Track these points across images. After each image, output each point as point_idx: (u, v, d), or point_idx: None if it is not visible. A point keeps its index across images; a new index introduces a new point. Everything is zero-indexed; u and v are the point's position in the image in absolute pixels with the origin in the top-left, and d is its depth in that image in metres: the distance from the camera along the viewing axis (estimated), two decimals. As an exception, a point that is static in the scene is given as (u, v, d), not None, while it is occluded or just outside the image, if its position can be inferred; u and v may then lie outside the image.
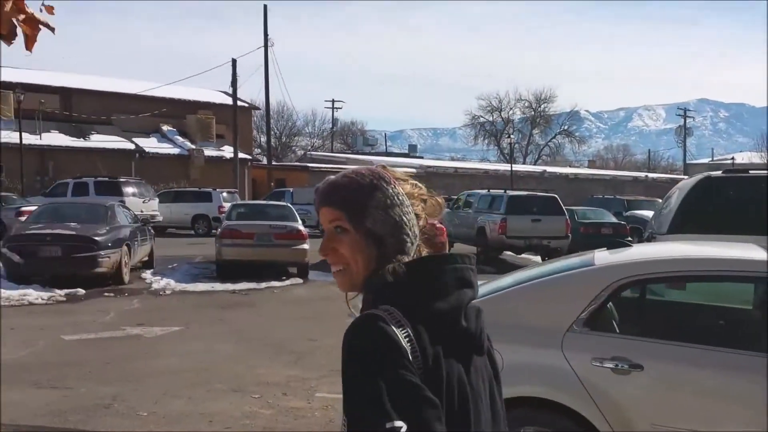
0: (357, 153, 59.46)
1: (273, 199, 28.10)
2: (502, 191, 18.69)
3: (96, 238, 11.91)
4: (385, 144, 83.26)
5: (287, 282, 13.73)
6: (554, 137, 76.79)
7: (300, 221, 15.25)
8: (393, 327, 1.29)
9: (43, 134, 32.95)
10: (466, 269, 1.42)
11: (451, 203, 22.68)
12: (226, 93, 40.58)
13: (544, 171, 48.88)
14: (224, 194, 27.66)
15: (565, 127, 77.96)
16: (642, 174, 57.16)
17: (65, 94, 35.76)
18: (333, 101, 69.97)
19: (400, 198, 1.41)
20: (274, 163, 43.03)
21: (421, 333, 1.32)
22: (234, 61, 33.40)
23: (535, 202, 17.99)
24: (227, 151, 36.87)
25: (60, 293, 11.28)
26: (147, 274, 14.08)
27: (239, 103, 35.19)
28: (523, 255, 19.44)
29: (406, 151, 74.37)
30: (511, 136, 48.87)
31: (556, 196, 18.38)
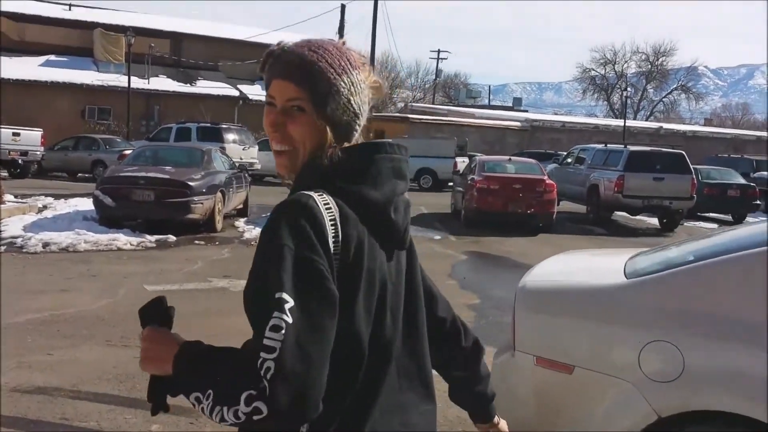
0: (459, 105, 57.87)
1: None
2: (621, 146, 17.12)
3: (190, 183, 11.50)
4: (489, 97, 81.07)
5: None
6: (670, 93, 72.22)
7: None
8: (321, 209, 1.26)
9: (151, 78, 33.45)
10: (401, 160, 1.40)
11: (560, 159, 21.24)
12: (331, 41, 39.98)
13: (660, 127, 45.78)
14: (324, 143, 27.19)
15: (682, 83, 73.10)
16: (765, 133, 52.79)
17: (175, 38, 36.14)
18: (438, 51, 68.29)
19: (362, 86, 1.38)
20: (373, 113, 42.26)
21: (348, 220, 1.29)
22: (343, 7, 32.59)
23: (659, 159, 16.37)
24: (329, 100, 36.47)
25: (150, 239, 10.98)
26: (240, 223, 13.70)
27: (342, 50, 34.45)
28: (638, 216, 17.93)
29: (509, 105, 72.11)
30: (628, 89, 45.72)
31: (683, 152, 16.67)
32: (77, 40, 33.58)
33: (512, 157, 17.57)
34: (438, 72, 69.79)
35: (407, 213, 1.40)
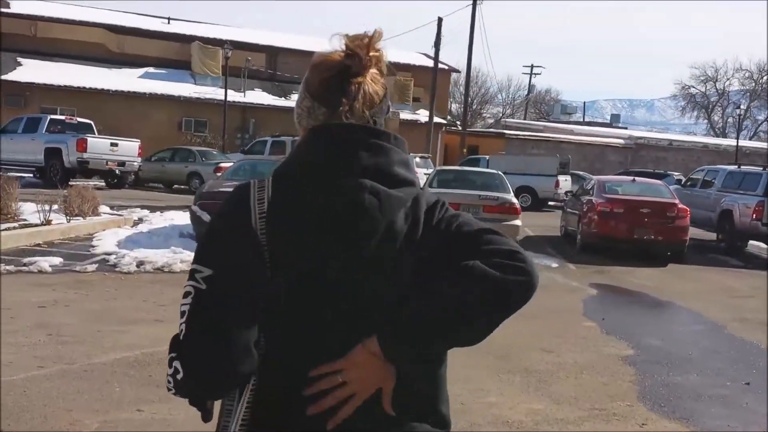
0: (553, 121, 55.94)
1: (467, 165, 26.30)
2: (759, 168, 15.32)
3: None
4: (583, 113, 78.49)
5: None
6: (778, 112, 68.03)
7: (512, 192, 13.23)
8: (255, 186, 1.37)
9: (247, 92, 33.42)
10: (342, 134, 1.39)
11: (682, 180, 19.47)
12: (425, 55, 39.10)
13: (776, 148, 42.63)
14: (417, 159, 26.18)
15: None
16: None
17: (271, 52, 36.09)
18: (531, 66, 66.54)
19: (306, 78, 1.48)
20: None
21: (280, 192, 1.35)
22: (440, 20, 31.66)
23: (804, 184, 14.49)
24: (422, 115, 35.50)
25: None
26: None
27: (439, 65, 33.47)
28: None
29: (603, 121, 69.43)
30: (740, 107, 42.74)
31: (831, 176, 14.74)
32: (175, 53, 33.94)
33: (636, 178, 16.02)
34: (531, 87, 68.05)
35: (390, 205, 1.35)
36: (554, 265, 12.21)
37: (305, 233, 1.32)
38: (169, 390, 1.35)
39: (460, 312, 1.30)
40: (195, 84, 33.40)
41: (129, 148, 22.56)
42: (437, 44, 32.34)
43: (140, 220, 13.91)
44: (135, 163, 23.01)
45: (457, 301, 1.30)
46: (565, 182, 27.34)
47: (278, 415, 1.33)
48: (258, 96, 33.94)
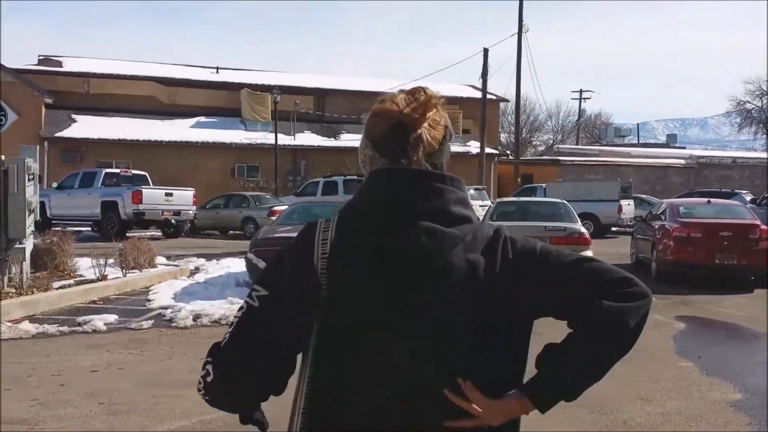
0: (607, 145, 54.64)
1: (524, 195, 25.52)
2: None
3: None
4: (638, 135, 76.75)
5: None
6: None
7: (579, 221, 12.52)
8: (321, 226, 1.47)
9: (297, 134, 33.46)
10: (403, 179, 1.45)
11: (757, 200, 18.38)
12: (472, 86, 38.73)
13: None
14: (471, 191, 25.57)
15: None
16: None
17: (318, 94, 36.21)
18: (581, 91, 65.45)
19: (366, 126, 1.53)
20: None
21: (343, 235, 1.43)
22: (485, 51, 31.25)
23: None
24: (473, 146, 34.96)
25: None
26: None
27: (487, 96, 32.98)
28: None
29: (656, 142, 67.60)
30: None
31: None
32: (225, 101, 34.30)
33: (711, 200, 15.09)
34: (581, 112, 66.90)
35: (442, 245, 1.41)
36: (631, 296, 11.39)
37: (362, 276, 1.41)
38: (198, 391, 1.48)
39: (610, 356, 1.48)
40: (245, 130, 33.63)
41: (184, 197, 22.57)
42: (484, 75, 31.89)
43: (197, 270, 13.63)
44: (190, 212, 23.00)
45: (606, 348, 1.46)
46: (628, 207, 26.29)
47: None
48: (307, 138, 33.96)
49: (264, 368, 1.44)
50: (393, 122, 1.47)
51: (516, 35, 32.12)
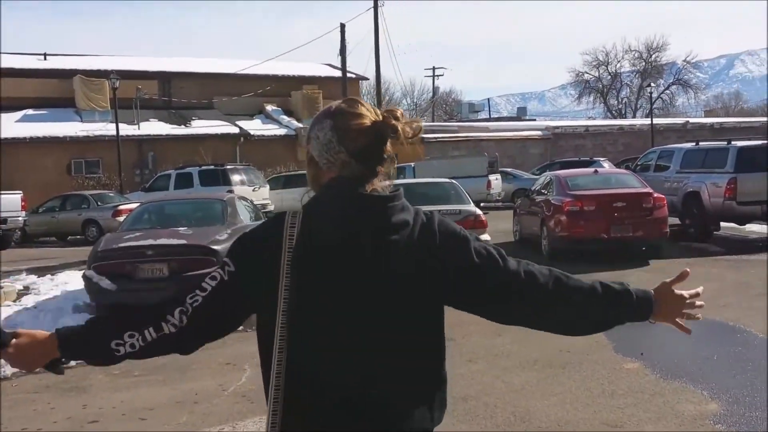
0: (462, 121, 55.11)
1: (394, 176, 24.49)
2: (724, 143, 14.10)
3: (215, 248, 8.44)
4: (489, 110, 78.50)
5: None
6: (668, 88, 69.99)
7: (472, 202, 11.44)
8: (288, 218, 1.67)
9: (142, 123, 30.53)
10: (360, 199, 1.65)
11: (632, 165, 18.23)
12: (330, 65, 37.24)
13: (687, 122, 43.01)
14: (341, 175, 24.19)
15: (681, 77, 70.94)
16: (795, 118, 50.16)
17: (163, 78, 33.31)
18: (434, 68, 65.72)
19: (324, 130, 1.70)
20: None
21: (305, 233, 1.63)
22: (342, 27, 29.75)
23: (774, 155, 13.34)
24: (336, 128, 33.58)
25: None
26: (278, 286, 10.62)
27: (347, 74, 31.57)
28: (748, 226, 14.86)
29: (504, 117, 69.48)
30: (652, 85, 42.58)
31: (799, 143, 13.67)
32: (56, 91, 30.67)
33: (598, 169, 14.53)
34: (435, 90, 67.33)
35: (383, 245, 1.64)
36: (532, 281, 10.44)
37: (323, 270, 1.62)
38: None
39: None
40: (82, 121, 30.26)
41: (10, 202, 19.56)
42: (342, 52, 30.44)
43: (26, 290, 11.26)
44: (19, 218, 19.99)
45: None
46: (496, 182, 25.97)
47: (306, 410, 1.63)
48: (154, 126, 31.05)
49: (212, 334, 1.71)
50: (371, 138, 1.67)
51: (372, 10, 30.87)
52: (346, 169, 1.66)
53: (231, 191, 19.83)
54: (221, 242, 8.62)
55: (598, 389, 5.44)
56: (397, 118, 1.67)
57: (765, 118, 52.42)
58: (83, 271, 8.62)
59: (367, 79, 39.39)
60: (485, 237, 10.55)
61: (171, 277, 8.28)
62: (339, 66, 31.67)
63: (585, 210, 11.73)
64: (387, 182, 1.73)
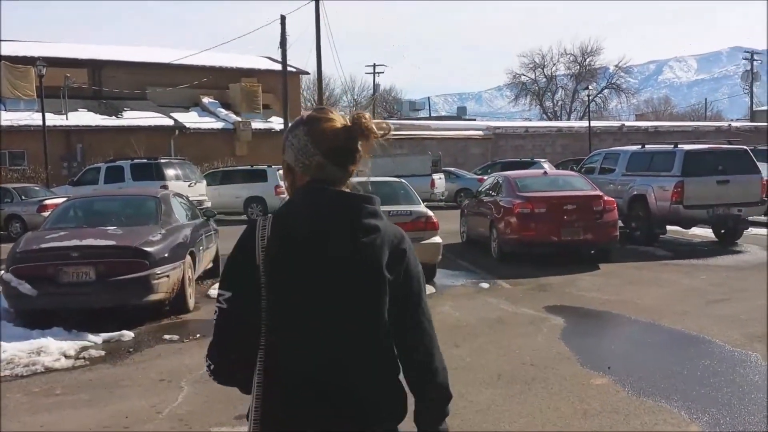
0: (403, 118, 54.85)
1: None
2: (670, 146, 14.07)
3: (147, 249, 7.75)
4: (429, 109, 78.56)
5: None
6: (601, 91, 71.61)
7: (422, 202, 11.01)
8: (260, 224, 1.83)
9: (70, 113, 29.05)
10: (328, 196, 1.81)
11: (577, 167, 18.15)
12: (270, 58, 36.35)
13: (623, 125, 43.80)
14: (280, 172, 23.42)
15: (614, 81, 72.66)
16: (724, 123, 51.83)
17: (94, 67, 31.82)
18: (374, 66, 65.42)
19: (298, 137, 1.85)
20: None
21: (277, 232, 1.79)
22: (283, 18, 28.94)
23: (720, 158, 13.37)
24: (276, 123, 32.72)
25: (95, 340, 7.19)
26: (216, 289, 9.94)
27: (288, 68, 30.77)
28: (692, 230, 14.91)
29: (448, 115, 69.71)
30: (589, 88, 42.95)
31: (746, 148, 13.75)
32: (-23, 77, 28.87)
33: (547, 171, 14.31)
34: (376, 87, 66.95)
35: (357, 243, 1.79)
36: (484, 285, 10.09)
37: (293, 266, 1.78)
38: (210, 376, 1.89)
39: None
40: (5, 110, 28.58)
41: None
42: (283, 45, 29.60)
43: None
44: (-66, 212, 18.57)
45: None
46: (440, 181, 25.72)
47: (287, 398, 1.78)
48: (83, 117, 29.59)
49: (245, 351, 1.81)
50: (341, 141, 1.82)
51: (314, 2, 30.14)
52: (321, 172, 1.83)
53: (165, 186, 18.93)
54: (154, 243, 7.93)
55: (569, 409, 5.06)
56: (365, 119, 1.83)
57: (696, 123, 54.07)
58: (0, 275, 7.78)
59: (307, 73, 38.68)
60: (436, 239, 10.16)
61: (98, 281, 7.55)
62: (279, 59, 30.85)
63: (536, 212, 11.46)
64: (356, 179, 1.91)
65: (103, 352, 6.92)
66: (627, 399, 5.23)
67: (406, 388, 1.89)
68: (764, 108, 68.80)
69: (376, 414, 1.81)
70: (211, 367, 1.85)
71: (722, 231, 14.13)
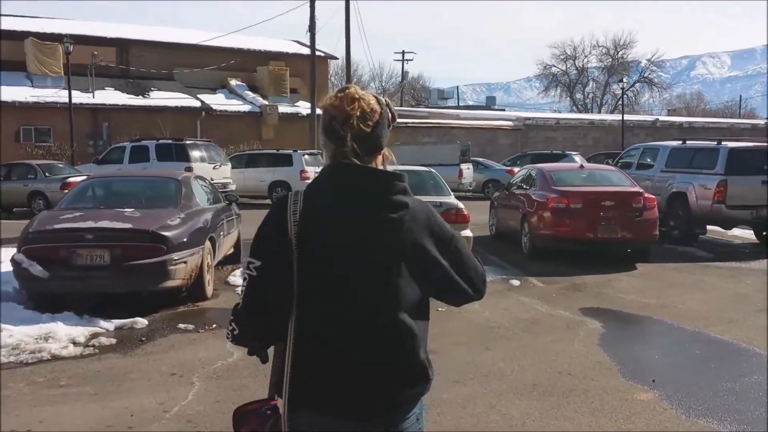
0: (432, 107, 54.22)
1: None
2: (713, 143, 13.43)
3: (165, 234, 7.40)
4: (457, 98, 77.70)
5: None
6: (633, 85, 70.23)
7: (452, 193, 10.56)
8: (291, 198, 1.91)
9: (97, 92, 28.90)
10: (353, 172, 1.89)
11: (612, 161, 17.53)
12: (299, 42, 35.91)
13: (656, 120, 42.86)
14: (306, 156, 23.12)
15: (646, 75, 71.24)
16: (761, 121, 50.58)
17: (122, 46, 31.63)
18: (403, 53, 64.61)
19: (324, 119, 1.93)
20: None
21: (308, 206, 1.88)
22: (312, 1, 28.45)
23: (766, 157, 12.71)
24: (302, 107, 32.32)
25: (106, 327, 6.86)
26: (236, 276, 9.59)
27: (316, 52, 30.32)
28: (733, 231, 14.28)
29: (475, 105, 68.89)
30: (623, 80, 41.80)
31: (791, 147, 13.07)
32: (6, 53, 28.80)
33: (584, 165, 13.75)
34: (404, 74, 66.29)
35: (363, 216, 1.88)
36: (515, 281, 9.62)
37: (325, 237, 1.86)
38: (228, 340, 1.97)
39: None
40: (33, 86, 28.52)
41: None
42: (312, 28, 29.14)
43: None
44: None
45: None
46: (468, 171, 25.19)
47: (314, 363, 1.86)
48: (110, 95, 29.44)
49: (272, 318, 1.89)
50: (329, 117, 1.91)
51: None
52: (327, 150, 1.92)
53: (190, 168, 18.65)
54: (172, 227, 7.57)
55: (611, 426, 4.61)
56: (356, 99, 1.91)
57: (732, 120, 52.79)
58: (13, 256, 7.48)
59: (336, 58, 38.23)
60: (467, 233, 9.71)
61: (113, 265, 7.21)
62: (307, 43, 30.41)
63: (571, 207, 10.94)
64: (388, 158, 2.00)
65: (114, 341, 6.58)
66: (676, 419, 4.76)
67: (430, 361, 1.95)
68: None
69: (399, 383, 1.87)
70: (235, 332, 1.93)
71: (764, 233, 13.51)
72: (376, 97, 1.94)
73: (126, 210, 8.07)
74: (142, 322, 7.09)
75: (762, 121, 50.45)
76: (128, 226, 7.49)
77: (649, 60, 71.14)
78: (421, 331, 1.92)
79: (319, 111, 1.99)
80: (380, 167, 1.93)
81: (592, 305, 8.27)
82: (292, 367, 1.84)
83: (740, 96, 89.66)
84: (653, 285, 9.52)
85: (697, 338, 6.89)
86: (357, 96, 1.90)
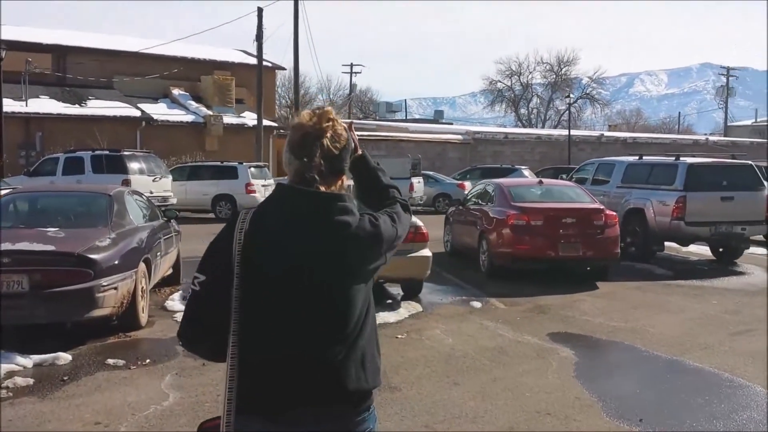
0: (379, 120, 53.86)
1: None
2: (671, 158, 13.20)
3: (92, 256, 6.58)
4: (405, 111, 77.57)
5: (401, 312, 8.48)
6: (576, 101, 71.47)
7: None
8: (240, 217, 1.98)
9: (30, 100, 27.45)
10: (298, 195, 1.96)
11: (567, 176, 17.27)
12: (245, 52, 35.05)
13: (602, 135, 43.31)
14: (252, 169, 22.29)
15: (588, 91, 72.80)
16: (701, 137, 51.81)
17: (58, 52, 30.23)
18: (351, 65, 64.24)
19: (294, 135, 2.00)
20: None
21: (255, 227, 1.95)
22: (260, 11, 27.69)
23: (725, 173, 12.55)
24: (248, 118, 31.43)
25: (24, 364, 6.02)
26: (174, 301, 8.79)
27: (263, 62, 29.50)
28: (689, 248, 14.09)
29: (423, 118, 68.90)
30: (570, 96, 41.86)
31: (751, 163, 12.95)
32: (-67, 57, 27.14)
33: (542, 180, 13.36)
34: (353, 87, 65.92)
35: (312, 235, 1.91)
36: (476, 303, 9.08)
37: (271, 255, 1.92)
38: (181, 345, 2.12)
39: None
40: (-39, 93, 26.88)
41: None
42: (259, 37, 28.35)
43: None
44: None
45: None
46: (419, 185, 24.73)
47: (257, 374, 1.91)
48: (45, 104, 27.97)
49: (214, 330, 1.93)
50: (300, 135, 1.96)
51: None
52: (291, 166, 1.99)
53: (127, 181, 17.66)
54: (101, 249, 6.76)
55: (604, 480, 4.05)
56: (331, 119, 2.00)
57: (673, 135, 53.96)
58: None
59: (284, 68, 37.43)
60: (426, 252, 9.12)
61: (32, 292, 6.36)
62: (254, 53, 29.60)
63: (532, 225, 10.49)
64: (345, 183, 2.06)
65: (31, 381, 5.74)
66: (674, 468, 4.24)
67: (379, 364, 2.04)
68: (739, 123, 69.35)
69: (340, 389, 1.93)
70: (181, 343, 2.05)
71: (720, 249, 13.36)
72: (342, 124, 2.02)
73: (49, 229, 7.22)
74: (65, 357, 6.26)
75: (702, 137, 51.69)
76: (50, 248, 6.65)
77: (590, 77, 72.67)
78: (367, 339, 1.99)
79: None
80: (339, 192, 1.99)
81: (560, 330, 7.77)
82: (235, 377, 1.90)
83: (679, 113, 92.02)
84: (618, 306, 9.10)
85: (676, 367, 6.44)
86: (332, 117, 1.98)
